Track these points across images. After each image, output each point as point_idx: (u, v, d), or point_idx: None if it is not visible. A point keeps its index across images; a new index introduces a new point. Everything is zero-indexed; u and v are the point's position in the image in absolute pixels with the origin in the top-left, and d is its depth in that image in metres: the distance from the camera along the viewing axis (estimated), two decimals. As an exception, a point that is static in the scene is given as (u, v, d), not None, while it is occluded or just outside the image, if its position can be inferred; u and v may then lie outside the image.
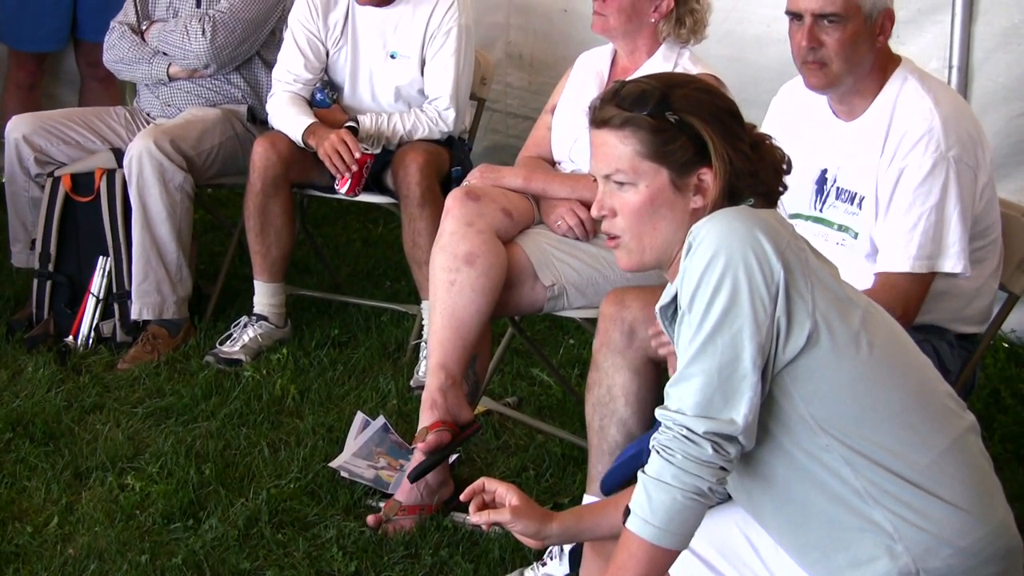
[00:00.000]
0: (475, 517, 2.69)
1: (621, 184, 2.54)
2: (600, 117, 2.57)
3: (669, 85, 2.55)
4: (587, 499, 3.51)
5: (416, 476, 3.84)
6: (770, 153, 2.60)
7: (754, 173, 2.53)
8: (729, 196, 2.50)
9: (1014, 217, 3.54)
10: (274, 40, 5.48)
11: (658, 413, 2.38)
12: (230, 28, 5.36)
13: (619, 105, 2.53)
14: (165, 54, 5.46)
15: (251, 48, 5.49)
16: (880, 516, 2.35)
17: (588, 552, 2.86)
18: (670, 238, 2.54)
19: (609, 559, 2.52)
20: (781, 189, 2.63)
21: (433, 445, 3.81)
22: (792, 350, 2.33)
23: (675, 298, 2.46)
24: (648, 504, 2.35)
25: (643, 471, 2.37)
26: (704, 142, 2.49)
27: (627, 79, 2.63)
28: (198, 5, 5.44)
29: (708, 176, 2.50)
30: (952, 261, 3.31)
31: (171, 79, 5.50)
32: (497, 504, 2.70)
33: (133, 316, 5.21)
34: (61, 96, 6.68)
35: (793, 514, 2.44)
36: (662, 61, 4.18)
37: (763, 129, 3.69)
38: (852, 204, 3.44)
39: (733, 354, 2.30)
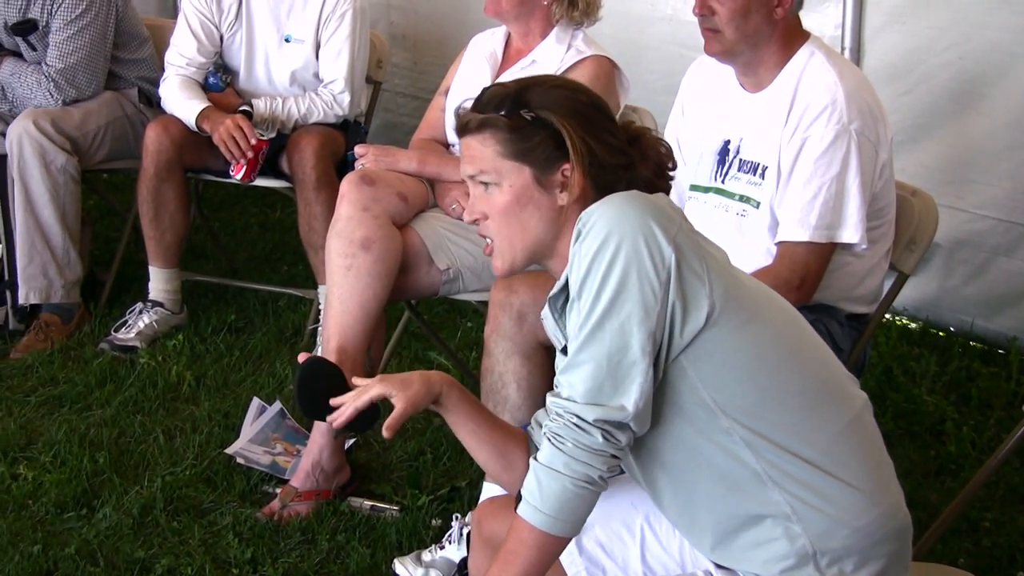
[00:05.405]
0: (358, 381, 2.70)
1: (487, 185, 2.55)
2: (461, 123, 2.59)
3: (527, 85, 2.57)
4: (486, 485, 3.49)
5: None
6: (652, 148, 2.59)
7: (629, 166, 2.53)
8: (602, 190, 2.49)
9: (903, 197, 3.57)
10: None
11: (549, 400, 2.38)
12: (71, 75, 5.24)
13: (478, 109, 2.55)
14: None
15: (107, 61, 5.39)
16: (779, 498, 2.36)
17: (475, 539, 2.86)
18: (540, 237, 2.56)
19: (495, 547, 2.52)
20: (663, 185, 2.60)
21: None
22: (690, 332, 2.32)
23: (564, 287, 2.46)
24: (539, 491, 2.35)
25: (534, 458, 2.38)
26: (563, 137, 2.50)
27: (490, 84, 2.63)
28: (32, 49, 5.31)
29: (571, 171, 2.50)
30: (851, 232, 3.34)
31: None
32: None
33: (20, 300, 5.15)
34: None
35: (691, 497, 2.44)
36: (555, 43, 4.18)
37: (675, 106, 3.72)
38: (755, 175, 3.46)
39: (622, 341, 2.30)
